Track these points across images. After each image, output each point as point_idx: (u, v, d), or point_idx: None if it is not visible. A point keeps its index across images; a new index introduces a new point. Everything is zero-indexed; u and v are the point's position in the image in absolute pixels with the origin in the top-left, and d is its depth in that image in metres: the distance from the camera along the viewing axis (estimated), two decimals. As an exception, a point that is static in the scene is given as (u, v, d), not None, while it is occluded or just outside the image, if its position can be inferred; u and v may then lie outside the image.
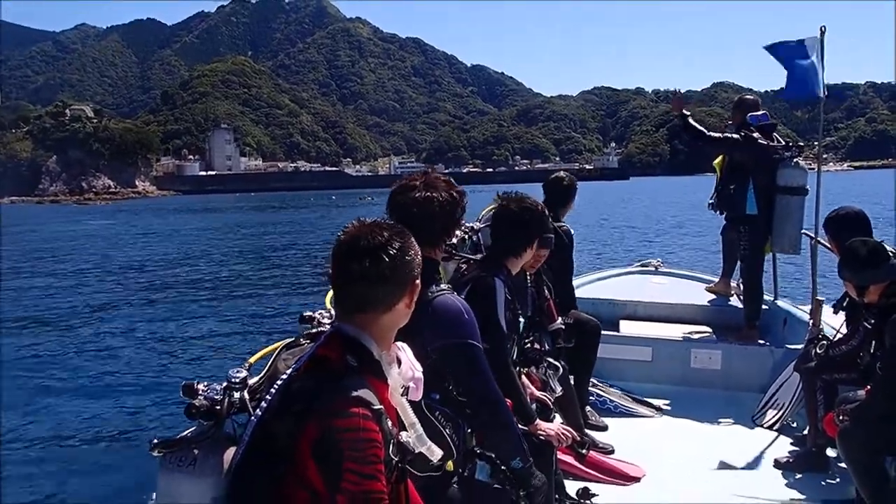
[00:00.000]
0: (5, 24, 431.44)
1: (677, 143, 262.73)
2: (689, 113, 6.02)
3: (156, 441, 1.88)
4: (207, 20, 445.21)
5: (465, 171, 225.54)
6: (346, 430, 1.66)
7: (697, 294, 6.96)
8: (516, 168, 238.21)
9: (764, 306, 6.22)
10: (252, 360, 2.18)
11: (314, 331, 2.28)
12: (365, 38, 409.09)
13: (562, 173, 5.41)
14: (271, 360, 2.14)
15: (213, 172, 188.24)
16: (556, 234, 4.13)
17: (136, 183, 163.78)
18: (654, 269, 7.91)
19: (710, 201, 6.51)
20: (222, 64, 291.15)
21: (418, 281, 1.95)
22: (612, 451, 4.56)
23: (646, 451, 4.62)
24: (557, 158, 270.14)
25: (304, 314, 2.44)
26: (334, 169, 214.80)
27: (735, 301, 6.67)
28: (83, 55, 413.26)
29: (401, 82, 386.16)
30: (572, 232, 5.13)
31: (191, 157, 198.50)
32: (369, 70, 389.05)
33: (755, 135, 5.82)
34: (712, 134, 6.13)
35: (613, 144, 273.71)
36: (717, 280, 7.07)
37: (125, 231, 46.00)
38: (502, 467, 2.61)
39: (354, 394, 1.71)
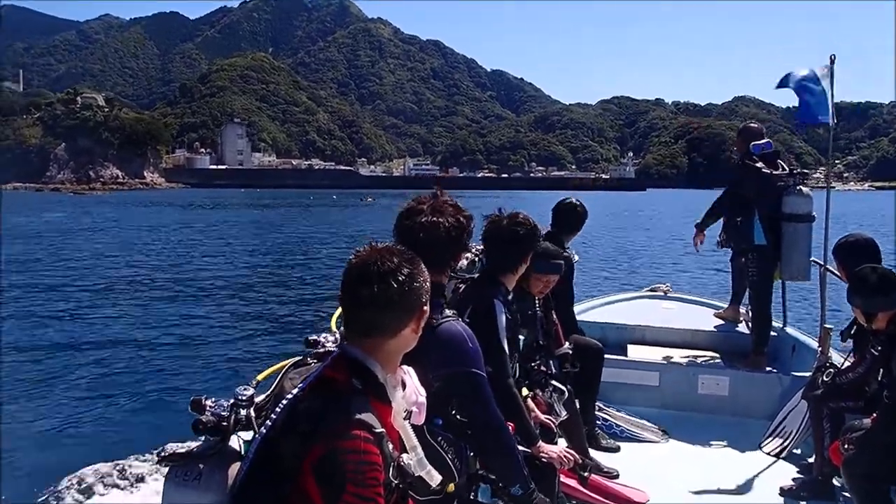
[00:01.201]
0: (31, 12, 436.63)
1: (696, 156, 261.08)
2: (700, 225, 6.57)
3: (163, 454, 1.92)
4: (230, 15, 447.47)
5: (479, 175, 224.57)
6: (349, 451, 1.69)
7: (706, 320, 6.92)
8: (532, 174, 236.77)
9: (773, 333, 6.19)
10: (260, 377, 2.20)
11: (322, 350, 2.31)
12: (385, 38, 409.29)
13: (574, 199, 5.26)
14: (278, 378, 2.17)
15: (223, 167, 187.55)
16: (564, 258, 4.22)
17: (145, 174, 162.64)
18: (662, 293, 7.93)
19: (719, 239, 6.47)
20: (241, 59, 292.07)
21: (426, 307, 1.97)
22: (617, 476, 4.55)
23: (651, 475, 4.63)
24: (573, 167, 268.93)
25: (310, 338, 2.45)
26: (345, 168, 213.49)
27: (743, 327, 6.61)
28: (105, 46, 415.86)
29: (419, 84, 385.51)
30: (575, 259, 5.17)
31: (202, 150, 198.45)
32: (388, 71, 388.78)
33: (758, 164, 5.88)
34: (718, 204, 6.42)
35: (631, 154, 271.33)
36: (725, 306, 7.05)
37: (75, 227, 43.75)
38: (507, 491, 2.65)
39: (357, 416, 1.74)
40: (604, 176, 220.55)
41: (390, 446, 1.81)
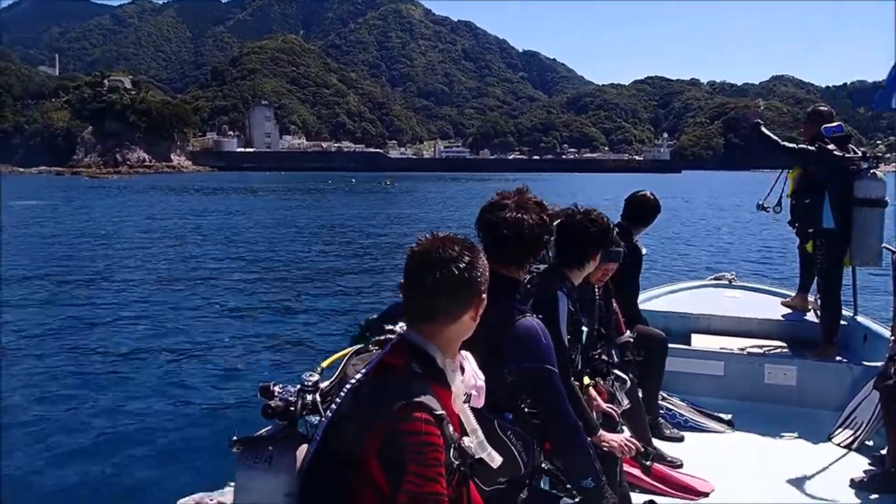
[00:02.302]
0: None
1: (732, 136, 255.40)
2: (761, 122, 6.17)
3: (235, 438, 2.00)
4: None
5: (510, 157, 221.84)
6: (410, 433, 1.75)
7: (772, 308, 6.83)
8: (564, 157, 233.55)
9: (843, 322, 6.11)
10: (324, 364, 2.26)
11: (382, 338, 2.32)
12: (416, 19, 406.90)
13: (648, 192, 5.19)
14: (342, 365, 2.22)
15: (251, 150, 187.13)
16: (631, 251, 4.29)
17: (172, 157, 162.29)
18: (727, 282, 7.77)
19: (765, 205, 6.50)
20: (272, 41, 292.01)
21: (485, 295, 2.01)
22: (681, 465, 4.53)
23: (715, 466, 4.58)
24: (606, 148, 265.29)
25: (385, 327, 2.46)
26: (372, 150, 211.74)
27: (812, 316, 6.51)
28: (139, 29, 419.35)
29: (450, 66, 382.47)
30: (644, 251, 5.17)
31: (230, 133, 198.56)
32: (419, 52, 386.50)
33: (830, 147, 5.81)
34: (787, 144, 6.16)
35: (665, 135, 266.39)
36: (793, 294, 6.95)
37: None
38: (568, 486, 2.65)
39: (418, 399, 1.79)
40: (637, 158, 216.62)
41: (451, 429, 1.84)
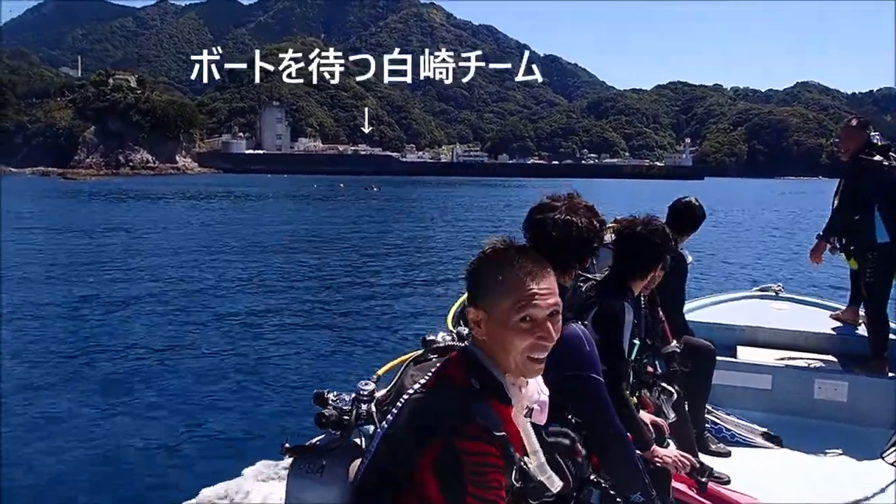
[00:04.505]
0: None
1: (756, 143, 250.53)
2: (827, 232, 6.13)
3: (287, 446, 1.97)
4: (283, 1, 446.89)
5: (529, 162, 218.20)
6: (470, 453, 1.67)
7: (821, 322, 6.71)
8: (583, 162, 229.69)
9: (893, 336, 5.96)
10: (380, 372, 2.19)
11: (442, 345, 2.22)
12: (437, 23, 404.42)
13: (692, 198, 5.13)
14: (399, 373, 2.10)
15: (259, 151, 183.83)
16: (676, 259, 4.27)
17: (177, 159, 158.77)
18: (774, 293, 7.62)
19: (832, 244, 6.20)
20: (291, 44, 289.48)
21: None
22: (729, 482, 4.42)
23: (763, 483, 4.49)
24: (627, 154, 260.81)
25: (427, 337, 2.37)
26: (384, 154, 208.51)
27: (863, 330, 6.35)
28: (161, 31, 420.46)
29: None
30: (689, 260, 5.10)
31: (240, 134, 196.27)
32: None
33: (876, 157, 5.70)
34: (842, 208, 5.98)
35: (688, 141, 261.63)
36: (843, 307, 6.80)
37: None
38: (617, 500, 2.49)
39: (479, 419, 1.71)
40: (658, 163, 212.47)
41: (512, 448, 1.77)
